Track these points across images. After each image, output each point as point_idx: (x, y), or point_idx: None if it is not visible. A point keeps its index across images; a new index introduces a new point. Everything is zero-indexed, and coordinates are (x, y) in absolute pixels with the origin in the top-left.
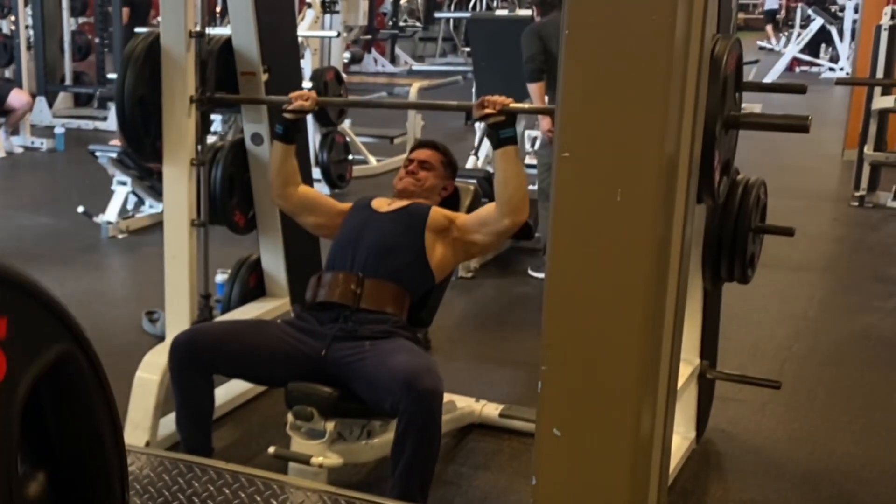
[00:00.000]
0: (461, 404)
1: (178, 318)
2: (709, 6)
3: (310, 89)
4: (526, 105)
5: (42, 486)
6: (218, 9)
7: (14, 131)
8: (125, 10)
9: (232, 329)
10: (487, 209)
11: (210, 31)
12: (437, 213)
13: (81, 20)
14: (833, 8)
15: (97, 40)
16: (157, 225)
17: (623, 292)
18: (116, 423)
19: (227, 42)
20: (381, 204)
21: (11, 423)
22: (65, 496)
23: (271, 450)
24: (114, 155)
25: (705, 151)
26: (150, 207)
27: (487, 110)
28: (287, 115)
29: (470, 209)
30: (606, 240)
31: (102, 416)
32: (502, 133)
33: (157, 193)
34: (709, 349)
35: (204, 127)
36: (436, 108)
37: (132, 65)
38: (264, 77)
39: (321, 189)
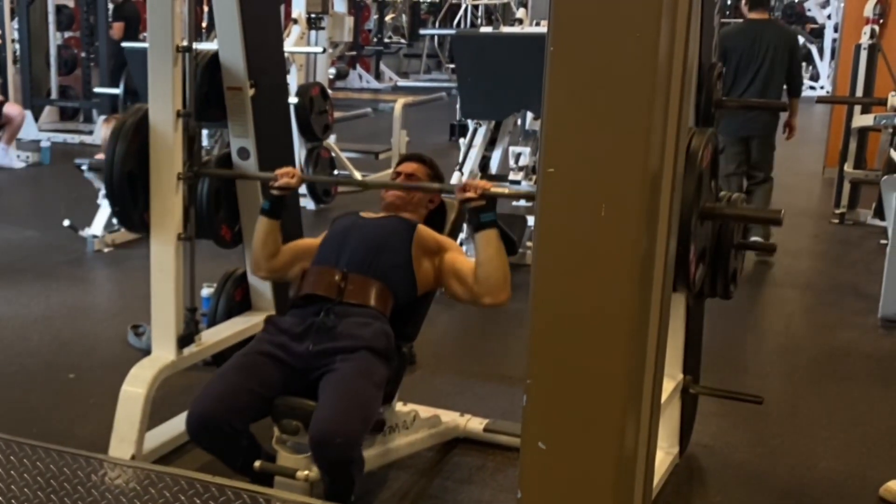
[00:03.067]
0: (446, 419)
1: (164, 332)
2: (692, 22)
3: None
4: (506, 190)
5: None
6: (204, 24)
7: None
8: (119, 25)
9: (230, 386)
10: (471, 272)
11: (196, 45)
12: (425, 232)
13: (67, 34)
14: (813, 27)
15: (83, 54)
16: (142, 239)
17: (608, 306)
18: None
19: (214, 57)
20: (368, 214)
21: None
22: None
23: (257, 464)
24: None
25: (681, 243)
26: None
27: (469, 194)
28: (274, 192)
29: (454, 225)
30: (591, 254)
31: None
32: (483, 217)
33: None
34: (692, 364)
35: (192, 142)
36: (413, 189)
37: (122, 139)
38: (251, 92)
39: (306, 203)
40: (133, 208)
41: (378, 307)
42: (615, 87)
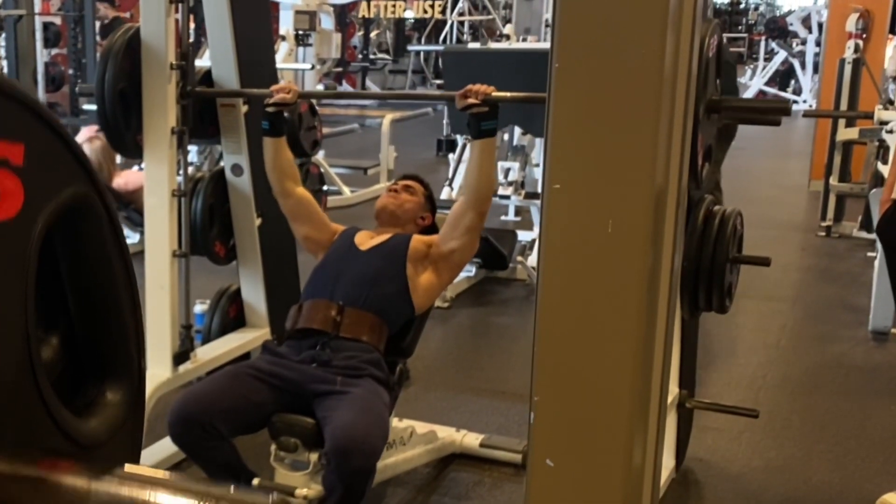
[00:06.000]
0: (442, 434)
1: (159, 349)
2: (695, 41)
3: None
4: (508, 94)
5: (56, 350)
6: (191, 40)
7: None
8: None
9: (217, 387)
10: (452, 212)
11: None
12: (417, 240)
13: (54, 51)
14: (795, 42)
15: (70, 71)
16: (134, 255)
17: (614, 322)
18: (132, 281)
19: (207, 74)
20: (363, 240)
21: (29, 261)
22: (79, 361)
23: (255, 482)
24: None
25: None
26: (127, 238)
27: (471, 100)
28: (269, 109)
29: None
30: (597, 270)
31: (119, 270)
32: (484, 125)
33: (134, 224)
34: (687, 378)
35: (185, 157)
36: (416, 97)
37: (112, 58)
38: (244, 109)
39: None
40: (126, 129)
41: (372, 342)
42: (620, 103)
